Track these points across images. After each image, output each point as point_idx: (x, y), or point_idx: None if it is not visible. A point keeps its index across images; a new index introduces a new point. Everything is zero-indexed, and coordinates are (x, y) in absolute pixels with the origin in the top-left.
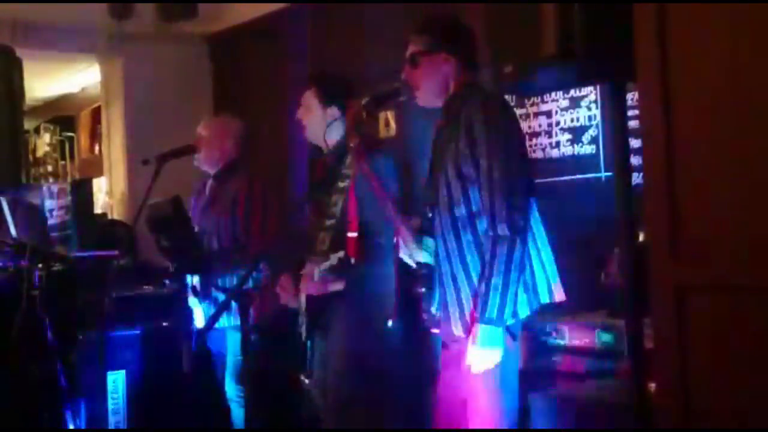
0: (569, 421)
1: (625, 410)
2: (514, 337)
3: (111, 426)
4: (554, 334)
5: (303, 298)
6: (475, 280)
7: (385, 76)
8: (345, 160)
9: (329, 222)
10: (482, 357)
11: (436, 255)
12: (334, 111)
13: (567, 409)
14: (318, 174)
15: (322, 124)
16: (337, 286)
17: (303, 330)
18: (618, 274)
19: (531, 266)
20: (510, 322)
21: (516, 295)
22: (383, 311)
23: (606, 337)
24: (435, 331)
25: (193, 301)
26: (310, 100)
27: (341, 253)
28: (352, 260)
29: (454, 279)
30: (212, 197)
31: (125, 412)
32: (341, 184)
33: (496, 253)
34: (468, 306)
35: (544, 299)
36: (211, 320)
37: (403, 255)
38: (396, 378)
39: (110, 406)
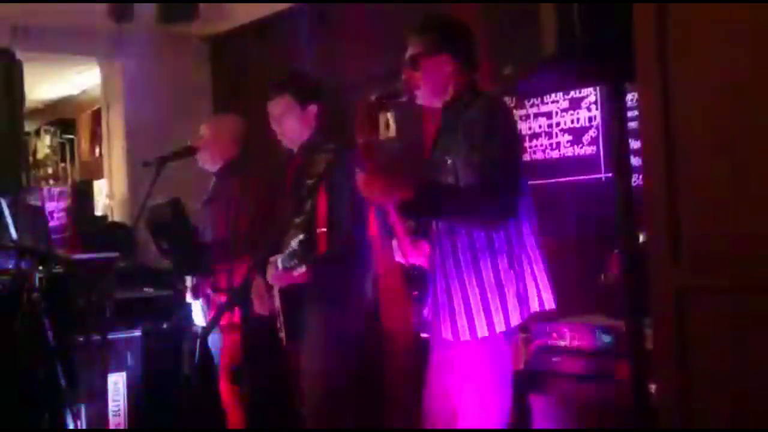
0: (569, 423)
1: (626, 412)
2: (508, 343)
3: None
4: (554, 335)
5: (277, 301)
6: (467, 284)
7: (385, 76)
8: (314, 157)
9: (298, 219)
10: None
11: (431, 258)
12: (313, 108)
13: (567, 410)
14: (289, 174)
15: (302, 126)
16: (299, 271)
17: (283, 334)
18: (618, 275)
19: (522, 274)
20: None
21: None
22: (357, 308)
23: (606, 338)
24: (425, 335)
25: (189, 298)
26: (287, 105)
27: (301, 236)
28: (322, 253)
29: (447, 283)
30: (212, 195)
31: (126, 414)
32: (310, 182)
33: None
34: (459, 310)
35: (535, 308)
36: (213, 321)
37: (398, 257)
38: (371, 377)
39: (111, 408)
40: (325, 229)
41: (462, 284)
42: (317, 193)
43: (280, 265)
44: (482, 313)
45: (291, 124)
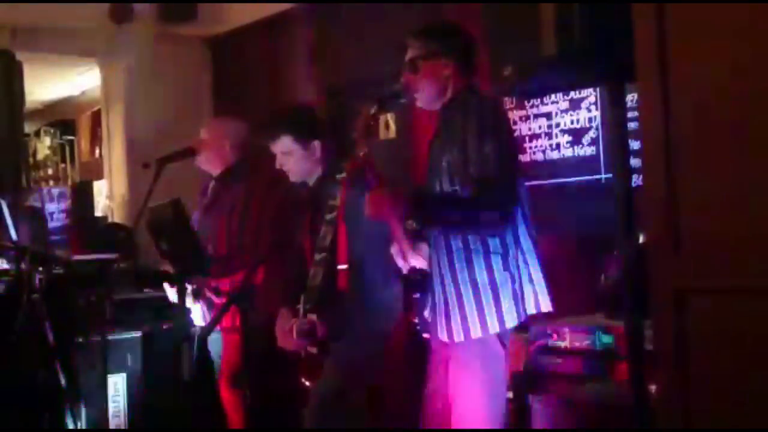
0: (569, 423)
1: (625, 412)
2: (504, 345)
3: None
4: (554, 335)
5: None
6: (461, 286)
7: (386, 78)
8: (331, 191)
9: (319, 256)
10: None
11: (430, 259)
12: (316, 145)
13: (566, 411)
14: (303, 209)
15: (308, 163)
16: (312, 350)
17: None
18: (618, 275)
19: (519, 278)
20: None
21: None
22: (380, 342)
23: (606, 339)
24: (426, 335)
25: (188, 301)
26: (289, 145)
27: (314, 317)
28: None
29: (443, 284)
30: (213, 199)
31: (126, 415)
32: (328, 216)
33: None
34: (454, 311)
35: (531, 310)
36: (212, 324)
37: (399, 261)
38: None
39: (111, 408)
40: (346, 266)
41: (456, 285)
42: (337, 228)
43: (296, 336)
44: (476, 314)
45: (296, 163)
